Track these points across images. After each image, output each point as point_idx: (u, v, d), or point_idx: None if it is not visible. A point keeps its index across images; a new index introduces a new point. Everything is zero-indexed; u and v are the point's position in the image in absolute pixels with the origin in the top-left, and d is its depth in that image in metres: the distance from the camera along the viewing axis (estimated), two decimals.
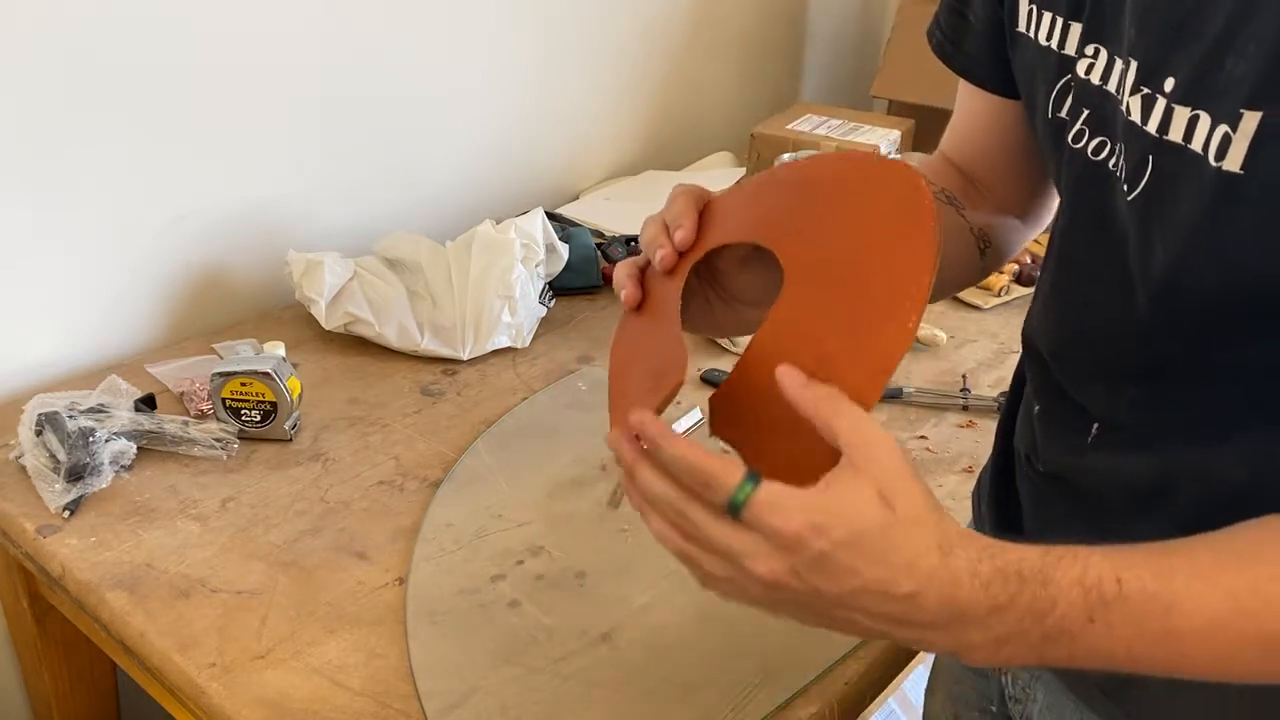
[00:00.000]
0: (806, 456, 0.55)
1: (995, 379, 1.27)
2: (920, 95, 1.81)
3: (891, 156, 1.64)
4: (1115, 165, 0.62)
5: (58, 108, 1.13)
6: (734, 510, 0.52)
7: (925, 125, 1.76)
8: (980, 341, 1.36)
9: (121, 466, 1.06)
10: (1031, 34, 0.68)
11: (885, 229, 0.60)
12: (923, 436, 1.18)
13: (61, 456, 1.02)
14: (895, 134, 1.69)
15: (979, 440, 1.17)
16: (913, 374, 1.29)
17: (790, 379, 0.56)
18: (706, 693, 0.84)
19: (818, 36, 2.19)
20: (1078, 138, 0.66)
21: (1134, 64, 0.60)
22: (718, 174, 1.82)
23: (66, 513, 1.00)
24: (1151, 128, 0.58)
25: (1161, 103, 0.58)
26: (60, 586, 0.97)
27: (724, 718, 0.83)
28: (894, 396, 1.23)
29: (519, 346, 1.30)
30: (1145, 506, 0.66)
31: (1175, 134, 0.57)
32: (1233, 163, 0.53)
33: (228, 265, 1.36)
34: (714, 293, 0.72)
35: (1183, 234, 0.58)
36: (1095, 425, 0.69)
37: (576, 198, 1.78)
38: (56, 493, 1.01)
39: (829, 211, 0.63)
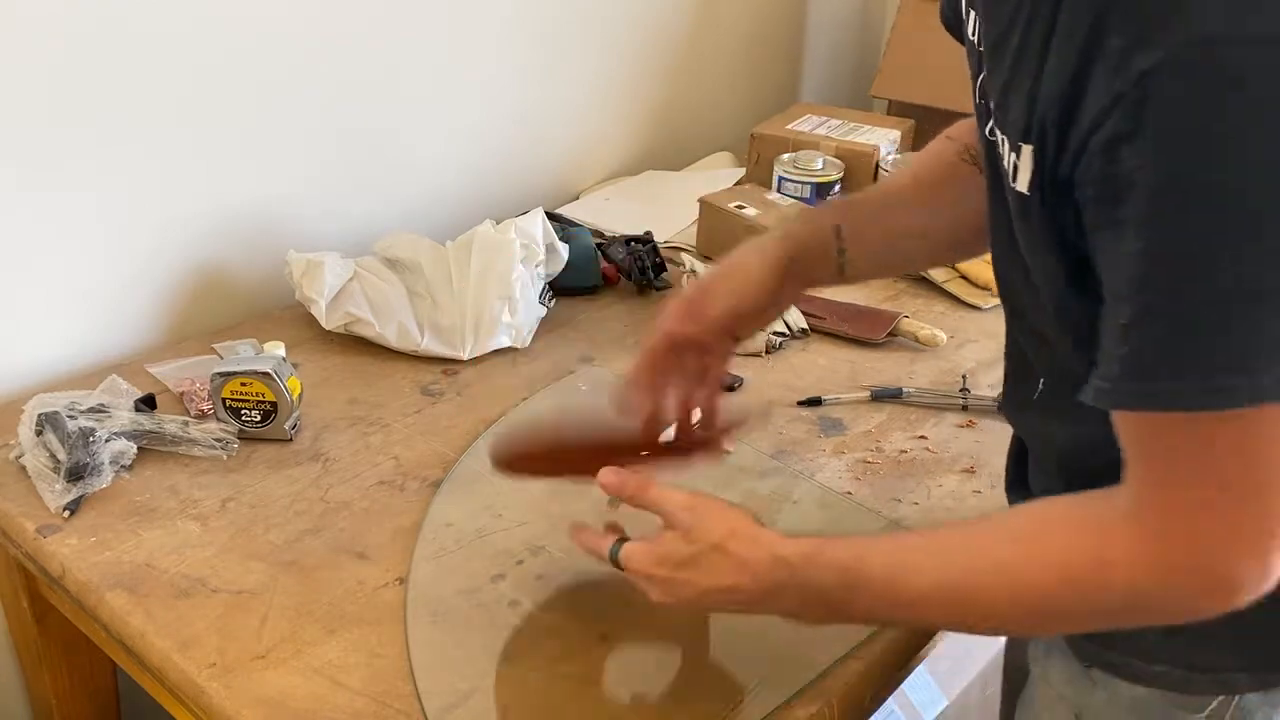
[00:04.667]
0: None
1: (995, 379, 1.27)
2: (920, 95, 1.81)
3: (892, 156, 1.64)
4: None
5: (57, 108, 1.13)
6: (613, 560, 0.79)
7: (925, 125, 1.76)
8: (980, 341, 1.36)
9: (122, 466, 1.06)
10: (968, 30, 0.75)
11: None
12: (922, 436, 1.18)
13: (62, 456, 1.02)
14: (895, 134, 1.69)
15: (979, 440, 1.17)
16: (913, 374, 1.29)
17: (607, 479, 0.81)
18: (706, 693, 0.84)
19: (818, 36, 2.19)
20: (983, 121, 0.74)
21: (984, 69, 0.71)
22: (718, 174, 1.83)
23: (66, 513, 1.00)
24: (989, 132, 0.70)
25: (990, 116, 0.69)
26: (60, 586, 0.97)
27: (724, 718, 0.83)
28: (894, 396, 1.23)
29: (519, 346, 1.30)
30: (1066, 470, 0.78)
31: (997, 146, 0.68)
32: (1021, 184, 0.64)
33: (228, 265, 1.36)
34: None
35: (1001, 233, 0.72)
36: (1041, 382, 0.78)
37: (576, 198, 1.78)
38: (57, 493, 1.01)
39: None
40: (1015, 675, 0.95)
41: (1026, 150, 0.63)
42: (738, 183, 1.69)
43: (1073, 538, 0.65)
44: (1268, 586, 0.62)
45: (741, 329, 0.91)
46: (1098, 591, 0.65)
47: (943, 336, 1.34)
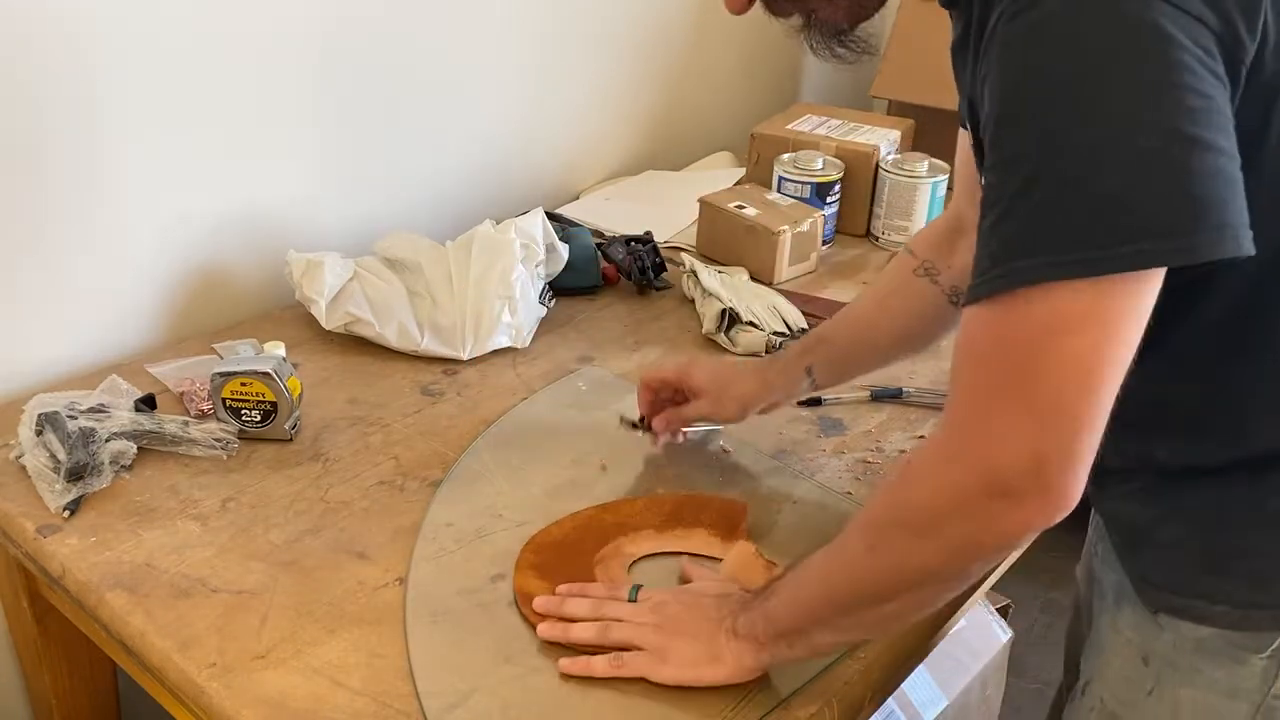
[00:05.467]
0: None
1: None
2: (920, 95, 1.81)
3: (892, 156, 1.64)
4: None
5: (55, 109, 1.13)
6: (632, 596, 0.89)
7: (925, 125, 1.76)
8: None
9: (122, 466, 1.06)
10: None
11: None
12: (922, 436, 1.18)
13: (62, 456, 1.02)
14: (895, 134, 1.69)
15: None
16: (913, 374, 1.29)
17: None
18: (706, 692, 0.84)
19: None
20: None
21: None
22: (718, 174, 1.83)
23: (66, 513, 1.00)
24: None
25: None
26: (60, 586, 0.97)
27: (724, 718, 0.83)
28: (894, 396, 1.23)
29: (519, 346, 1.30)
30: None
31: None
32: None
33: (228, 265, 1.36)
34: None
35: None
36: None
37: (576, 198, 1.78)
38: (57, 493, 1.01)
39: None
40: (1080, 624, 1.03)
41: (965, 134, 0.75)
42: (738, 183, 1.69)
43: (900, 465, 0.75)
44: (1057, 499, 0.63)
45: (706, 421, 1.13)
46: (908, 496, 0.71)
47: None
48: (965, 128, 0.83)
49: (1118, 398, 0.64)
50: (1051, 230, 0.61)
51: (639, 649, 0.85)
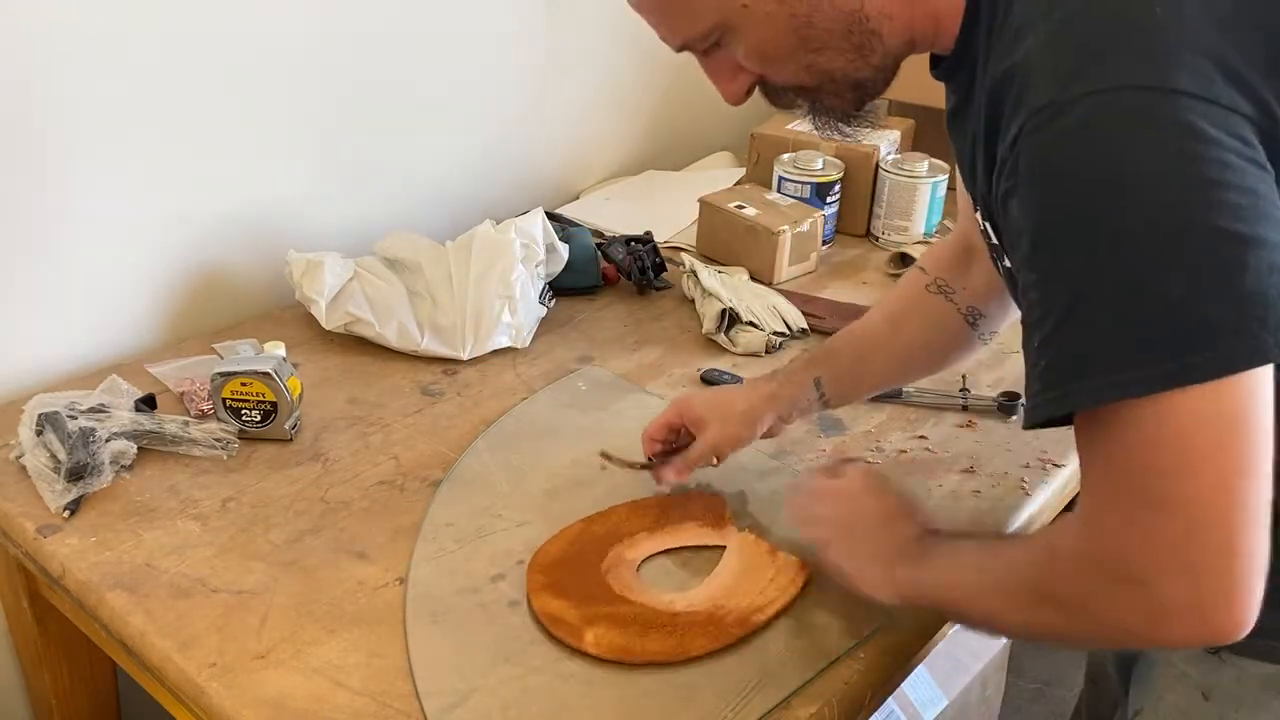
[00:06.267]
0: None
1: (995, 379, 1.27)
2: (920, 95, 1.80)
3: (892, 156, 1.64)
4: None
5: (55, 110, 1.13)
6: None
7: (925, 125, 1.76)
8: None
9: (122, 466, 1.06)
10: None
11: None
12: (923, 436, 1.18)
13: (62, 456, 1.02)
14: (895, 134, 1.69)
15: (979, 440, 1.17)
16: None
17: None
18: (706, 693, 0.84)
19: None
20: None
21: None
22: (718, 174, 1.83)
23: (67, 513, 1.00)
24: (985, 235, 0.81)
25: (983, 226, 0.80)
26: (60, 586, 0.97)
27: (724, 718, 0.83)
28: (894, 396, 1.23)
29: (519, 346, 1.30)
30: None
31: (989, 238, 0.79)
32: (1008, 261, 0.72)
33: (228, 265, 1.36)
34: None
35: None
36: None
37: (576, 198, 1.78)
38: (57, 493, 1.01)
39: None
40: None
41: (987, 227, 0.75)
42: (738, 183, 1.69)
43: (1047, 529, 0.78)
44: (1225, 621, 0.61)
45: (720, 455, 1.05)
46: (1050, 573, 0.70)
47: None
48: (968, 191, 0.82)
49: None
50: (1103, 349, 0.60)
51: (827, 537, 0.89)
